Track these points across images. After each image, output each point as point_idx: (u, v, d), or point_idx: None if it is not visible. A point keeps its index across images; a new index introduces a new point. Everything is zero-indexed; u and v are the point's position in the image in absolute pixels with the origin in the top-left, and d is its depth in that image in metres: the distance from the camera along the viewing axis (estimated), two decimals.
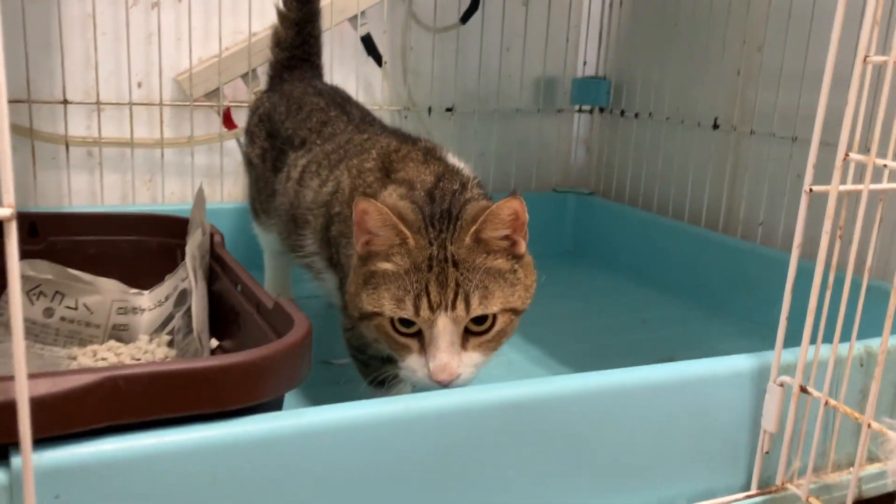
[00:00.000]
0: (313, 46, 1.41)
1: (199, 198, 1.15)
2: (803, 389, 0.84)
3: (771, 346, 0.87)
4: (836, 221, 0.82)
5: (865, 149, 0.78)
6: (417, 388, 1.08)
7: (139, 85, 1.58)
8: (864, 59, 0.75)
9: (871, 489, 0.94)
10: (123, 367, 0.65)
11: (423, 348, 0.81)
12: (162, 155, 1.59)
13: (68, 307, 1.13)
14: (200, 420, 0.67)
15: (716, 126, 1.63)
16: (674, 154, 1.75)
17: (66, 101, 1.50)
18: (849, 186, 0.83)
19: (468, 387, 0.82)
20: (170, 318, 1.14)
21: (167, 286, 1.18)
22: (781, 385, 0.86)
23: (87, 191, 1.57)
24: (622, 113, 1.89)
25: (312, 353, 0.78)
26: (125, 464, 0.64)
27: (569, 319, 1.49)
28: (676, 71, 1.73)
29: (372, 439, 0.72)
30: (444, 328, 0.79)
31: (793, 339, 0.85)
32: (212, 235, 1.15)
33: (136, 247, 1.26)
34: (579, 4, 1.95)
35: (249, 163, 1.34)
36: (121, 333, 1.16)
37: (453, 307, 0.79)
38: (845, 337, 0.87)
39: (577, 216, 1.93)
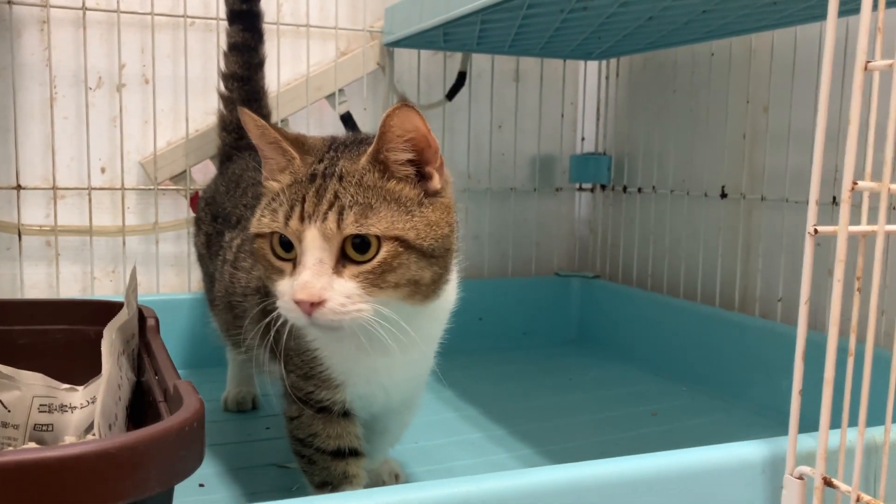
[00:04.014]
0: None
1: (132, 278, 1.03)
2: (828, 482, 0.67)
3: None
4: (853, 269, 0.67)
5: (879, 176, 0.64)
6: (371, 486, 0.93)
7: (102, 170, 1.49)
8: (866, 67, 0.62)
9: None
10: None
11: (295, 271, 0.73)
12: (123, 243, 1.48)
13: None
14: None
15: (723, 195, 1.49)
16: (681, 229, 1.60)
17: (19, 187, 1.41)
18: (863, 227, 0.68)
19: (411, 485, 0.67)
20: None
21: None
22: (801, 478, 0.69)
23: (43, 283, 1.46)
24: (625, 189, 1.76)
25: (205, 442, 0.63)
26: None
27: (569, 413, 1.32)
28: (678, 140, 1.61)
29: None
30: (313, 242, 0.71)
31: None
32: (144, 318, 1.01)
33: (71, 336, 1.13)
34: (574, 79, 1.85)
35: (199, 253, 1.22)
36: (43, 435, 1.01)
37: (324, 219, 0.70)
38: (879, 417, 0.70)
39: (582, 301, 1.78)
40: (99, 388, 0.87)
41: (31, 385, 1.03)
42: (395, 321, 0.72)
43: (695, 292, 1.55)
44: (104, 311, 1.12)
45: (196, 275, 1.55)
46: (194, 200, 1.51)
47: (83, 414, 1.04)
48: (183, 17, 1.49)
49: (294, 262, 0.73)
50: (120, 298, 1.42)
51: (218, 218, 1.12)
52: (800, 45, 1.32)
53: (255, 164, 1.17)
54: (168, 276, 1.54)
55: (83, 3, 1.42)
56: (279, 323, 0.79)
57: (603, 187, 1.85)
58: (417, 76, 1.68)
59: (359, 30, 1.61)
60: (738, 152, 1.48)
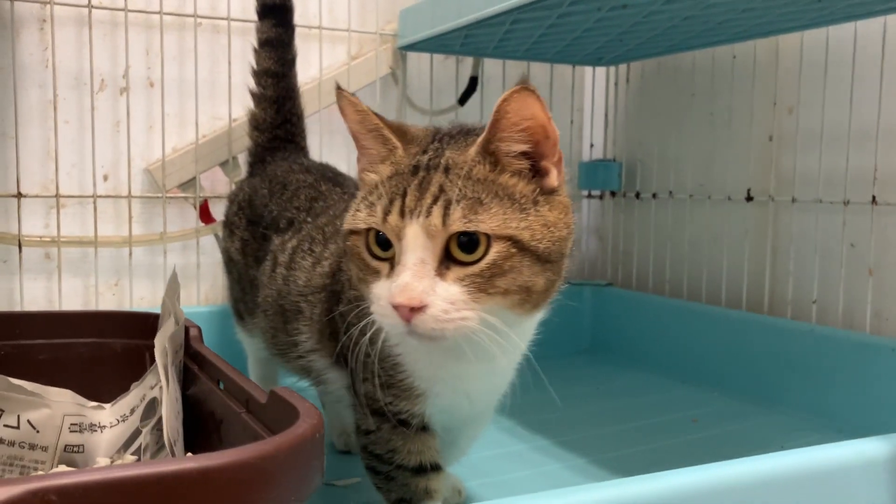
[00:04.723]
0: (296, 126, 1.26)
1: (172, 283, 0.96)
2: None
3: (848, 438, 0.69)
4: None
5: None
6: None
7: (105, 177, 1.41)
8: None
9: None
10: (57, 475, 0.44)
11: (393, 272, 0.66)
12: (130, 254, 1.40)
13: (7, 426, 0.91)
14: None
15: (749, 198, 1.47)
16: (702, 234, 1.59)
17: (20, 195, 1.32)
18: None
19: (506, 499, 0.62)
20: (136, 434, 0.93)
21: (133, 397, 0.97)
22: None
23: (43, 298, 1.36)
24: (637, 195, 1.74)
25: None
26: None
27: (607, 421, 1.28)
28: (697, 143, 1.60)
29: None
30: (415, 240, 0.64)
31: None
32: (187, 329, 0.94)
33: (96, 350, 1.05)
34: (581, 85, 1.84)
35: (229, 259, 1.15)
36: (74, 456, 0.94)
37: (427, 214, 0.64)
38: None
39: (594, 310, 1.75)
40: (162, 402, 0.80)
41: (60, 403, 0.96)
42: (505, 332, 0.65)
43: (718, 297, 1.53)
44: (133, 322, 1.05)
45: (204, 286, 1.47)
46: (205, 208, 1.44)
47: (113, 433, 0.97)
48: (193, 16, 1.42)
49: (391, 263, 0.66)
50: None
51: (258, 223, 1.06)
52: (832, 45, 1.32)
53: (298, 165, 1.11)
54: None
55: (89, 2, 1.34)
56: (361, 325, 0.73)
57: (613, 194, 1.82)
58: (430, 81, 1.64)
59: (371, 32, 1.57)
60: (765, 154, 1.47)
